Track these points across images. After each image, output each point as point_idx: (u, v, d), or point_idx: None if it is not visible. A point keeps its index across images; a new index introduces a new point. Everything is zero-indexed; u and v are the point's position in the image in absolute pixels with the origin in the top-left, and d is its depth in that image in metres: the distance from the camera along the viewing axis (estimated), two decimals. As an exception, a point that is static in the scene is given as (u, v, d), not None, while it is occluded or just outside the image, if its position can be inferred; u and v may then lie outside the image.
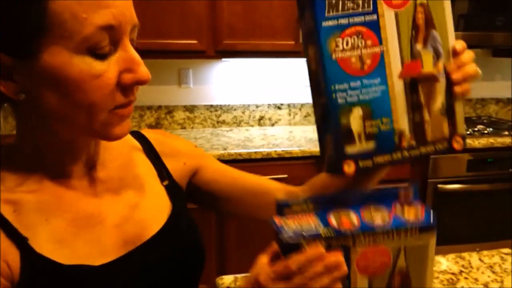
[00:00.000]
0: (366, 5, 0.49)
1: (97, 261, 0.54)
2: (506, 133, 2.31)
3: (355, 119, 0.51)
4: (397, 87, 0.52)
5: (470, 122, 2.62)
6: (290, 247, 0.47)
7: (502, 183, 2.27)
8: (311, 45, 0.51)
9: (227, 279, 0.91)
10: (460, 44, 0.54)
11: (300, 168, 2.05)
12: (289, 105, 2.61)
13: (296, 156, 2.04)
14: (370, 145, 0.52)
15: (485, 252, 1.02)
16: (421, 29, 0.52)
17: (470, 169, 2.23)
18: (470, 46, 2.11)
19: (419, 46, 0.52)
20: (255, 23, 2.13)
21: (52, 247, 0.52)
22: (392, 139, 0.53)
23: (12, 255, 0.50)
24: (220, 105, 2.53)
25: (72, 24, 0.45)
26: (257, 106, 2.58)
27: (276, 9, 2.13)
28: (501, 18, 2.31)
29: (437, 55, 0.53)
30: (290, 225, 0.48)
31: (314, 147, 2.06)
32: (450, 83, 0.54)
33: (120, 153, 0.64)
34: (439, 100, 0.54)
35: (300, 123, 2.64)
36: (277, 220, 0.49)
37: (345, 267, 0.47)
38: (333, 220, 0.49)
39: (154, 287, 0.60)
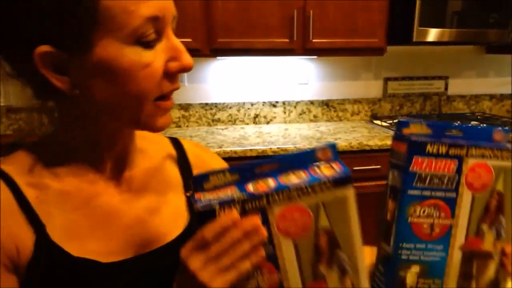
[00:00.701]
0: (449, 183, 0.56)
1: (105, 258, 0.55)
2: (499, 128, 2.32)
3: (411, 274, 0.57)
4: (456, 257, 0.57)
5: (464, 118, 2.64)
6: (205, 216, 0.46)
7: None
8: (392, 199, 0.57)
9: None
10: None
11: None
12: (284, 103, 2.62)
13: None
14: None
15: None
16: (490, 213, 0.57)
17: (464, 165, 2.24)
18: (464, 43, 2.12)
19: (485, 227, 0.57)
20: (250, 21, 2.13)
21: (65, 237, 0.53)
22: None
23: (27, 239, 0.51)
24: (215, 103, 2.54)
25: (122, 17, 0.47)
26: (252, 104, 2.58)
27: (270, 7, 2.13)
28: (494, 15, 2.32)
29: (498, 236, 0.58)
30: (207, 196, 0.48)
31: (308, 144, 2.07)
32: (502, 263, 0.59)
33: (152, 157, 0.65)
34: (489, 275, 0.58)
35: (295, 121, 2.65)
36: (196, 194, 0.49)
37: (263, 230, 0.47)
38: (250, 187, 0.49)
39: None
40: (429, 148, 0.54)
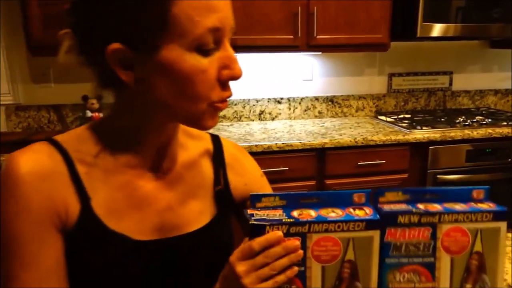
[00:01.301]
0: (426, 249, 0.59)
1: (135, 236, 0.62)
2: (505, 123, 2.33)
3: None
4: None
5: (469, 113, 2.65)
6: (256, 230, 0.55)
7: (500, 173, 2.29)
8: None
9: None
10: None
11: (300, 160, 2.08)
12: (289, 99, 2.64)
13: (297, 149, 2.06)
14: None
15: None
16: (472, 273, 0.60)
17: (469, 160, 2.25)
18: (468, 38, 2.13)
19: (468, 286, 0.60)
20: (254, 18, 2.15)
21: (105, 212, 0.60)
22: None
23: (74, 207, 0.59)
24: (221, 100, 2.56)
25: (187, 25, 0.53)
26: (257, 101, 2.60)
27: (274, 5, 2.15)
28: (498, 10, 2.33)
29: None
30: (259, 214, 0.57)
31: (313, 140, 2.08)
32: None
33: (191, 153, 0.71)
34: None
35: (300, 117, 2.67)
36: (249, 210, 0.58)
37: (301, 251, 0.56)
38: (295, 213, 0.58)
39: (172, 276, 0.65)
40: (400, 219, 0.58)
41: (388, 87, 2.75)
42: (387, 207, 0.59)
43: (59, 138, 0.62)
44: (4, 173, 0.57)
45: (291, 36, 2.20)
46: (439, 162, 2.23)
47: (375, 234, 0.57)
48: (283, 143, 2.05)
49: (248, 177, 0.77)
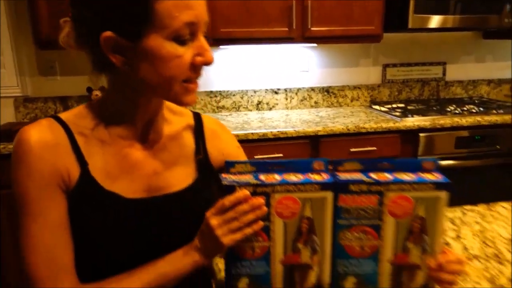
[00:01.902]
0: (373, 213, 0.68)
1: (126, 195, 0.73)
2: (494, 112, 2.41)
3: (349, 283, 0.71)
4: (386, 269, 0.71)
5: (460, 102, 2.72)
6: (228, 190, 0.66)
7: (489, 159, 2.37)
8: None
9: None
10: (454, 257, 0.72)
11: (294, 147, 2.17)
12: (285, 90, 2.73)
13: (291, 136, 2.16)
14: None
15: (448, 209, 1.14)
16: (414, 234, 0.69)
17: (458, 146, 2.34)
18: (458, 29, 2.22)
19: (410, 245, 0.70)
20: (250, 11, 2.24)
21: (101, 174, 0.72)
22: None
23: (74, 171, 0.71)
24: (220, 91, 2.66)
25: (168, 19, 0.64)
26: (255, 91, 2.70)
27: (269, -3, 2.23)
28: (489, 1, 2.39)
29: (423, 251, 0.70)
30: (232, 177, 0.68)
31: (307, 128, 2.18)
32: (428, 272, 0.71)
33: (174, 126, 0.82)
34: (418, 282, 0.71)
35: (296, 107, 2.76)
36: (224, 174, 0.69)
37: (265, 208, 0.66)
38: (262, 177, 0.68)
39: (158, 227, 0.76)
40: (351, 187, 0.67)
41: (382, 78, 2.83)
42: (343, 176, 0.69)
43: (61, 115, 0.74)
44: (16, 143, 0.69)
45: (286, 29, 2.29)
46: (429, 149, 2.31)
47: (329, 196, 0.67)
48: (278, 131, 2.14)
49: (225, 148, 0.88)
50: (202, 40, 0.68)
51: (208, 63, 0.69)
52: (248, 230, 0.67)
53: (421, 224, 0.68)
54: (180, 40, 0.65)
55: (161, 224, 0.76)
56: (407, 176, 0.69)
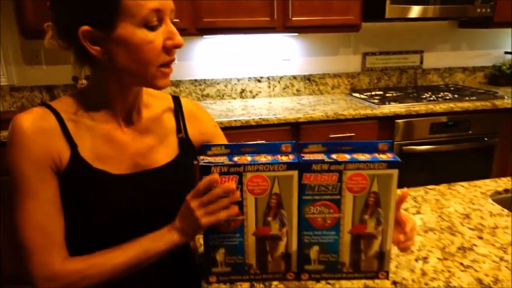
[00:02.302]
0: (334, 189, 0.77)
1: (115, 172, 0.82)
2: (467, 98, 2.52)
3: (313, 252, 0.81)
4: (346, 238, 0.80)
5: (436, 89, 2.83)
6: (204, 170, 0.74)
7: (462, 144, 2.49)
8: None
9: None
10: (410, 223, 0.82)
11: (276, 134, 2.26)
12: (268, 78, 2.80)
13: (273, 123, 2.24)
14: (321, 267, 0.82)
15: (412, 188, 1.23)
16: (370, 207, 0.78)
17: (432, 132, 2.45)
18: (436, 19, 2.33)
19: (366, 217, 0.78)
20: (233, 1, 2.29)
21: (90, 155, 0.80)
22: (336, 266, 0.81)
23: (65, 153, 0.78)
24: (204, 80, 2.72)
25: (135, 8, 0.71)
26: (238, 80, 2.76)
27: (251, -12, 2.29)
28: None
29: (378, 223, 0.79)
30: (208, 159, 0.76)
31: (289, 115, 2.26)
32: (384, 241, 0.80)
33: (155, 110, 0.90)
34: (374, 249, 0.80)
35: (279, 95, 2.84)
36: (201, 156, 0.77)
37: (237, 193, 0.75)
38: (235, 158, 0.76)
39: (143, 199, 0.84)
40: (314, 167, 0.76)
41: (362, 66, 2.92)
42: (307, 157, 0.77)
43: (51, 103, 0.81)
44: (11, 129, 0.76)
45: (268, 18, 2.35)
46: (406, 135, 2.42)
47: (294, 174, 0.76)
48: (260, 118, 2.22)
49: (203, 128, 0.96)
50: (170, 25, 0.75)
51: (178, 45, 0.76)
52: (223, 214, 0.76)
53: (376, 198, 0.78)
54: (149, 26, 0.73)
55: (146, 197, 0.84)
56: (363, 156, 0.78)
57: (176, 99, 0.96)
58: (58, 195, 0.78)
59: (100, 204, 0.80)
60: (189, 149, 0.92)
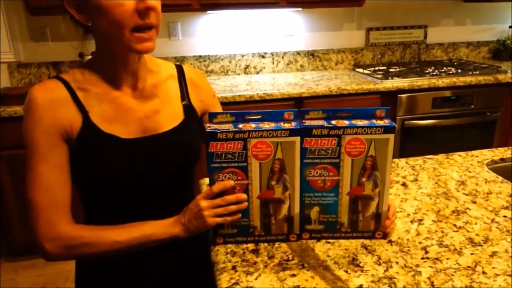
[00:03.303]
0: (333, 153, 0.81)
1: (124, 136, 0.86)
2: (470, 73, 2.53)
3: (313, 212, 0.84)
4: (344, 200, 0.83)
5: (439, 64, 2.84)
6: (210, 136, 0.77)
7: (464, 118, 2.52)
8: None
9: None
10: (393, 208, 0.86)
11: (280, 108, 2.27)
12: (272, 54, 2.81)
13: (276, 98, 2.27)
14: (321, 227, 0.85)
15: (411, 158, 1.28)
16: (367, 170, 0.81)
17: (435, 106, 2.47)
18: None
19: (364, 179, 0.82)
20: (236, -24, 2.29)
21: (100, 120, 0.85)
22: (335, 226, 0.85)
23: (77, 120, 0.83)
24: (208, 56, 2.74)
25: None
26: (242, 56, 2.78)
27: (255, -38, 2.29)
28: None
29: (375, 185, 0.82)
30: (214, 126, 0.79)
31: (292, 90, 2.29)
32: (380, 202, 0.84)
33: (159, 75, 0.94)
34: (371, 210, 0.84)
35: (283, 71, 2.86)
36: (207, 124, 0.80)
37: (245, 203, 0.80)
38: (240, 125, 0.80)
39: (150, 162, 0.89)
40: (314, 131, 0.79)
41: (366, 41, 2.92)
42: (308, 123, 0.81)
43: (62, 75, 0.86)
44: (26, 99, 0.82)
45: (271, -7, 2.36)
46: (408, 109, 2.45)
47: (296, 140, 0.79)
48: (264, 93, 2.25)
49: (203, 96, 1.01)
50: None
51: (147, 7, 0.77)
52: (229, 218, 0.81)
53: (372, 161, 0.82)
54: None
55: (153, 159, 0.89)
56: (361, 122, 0.81)
57: (179, 67, 1.00)
58: (67, 162, 0.83)
59: (111, 167, 0.85)
60: (192, 114, 0.97)
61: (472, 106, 2.52)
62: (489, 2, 2.80)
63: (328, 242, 0.86)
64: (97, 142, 0.84)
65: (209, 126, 0.80)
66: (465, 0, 2.95)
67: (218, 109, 1.05)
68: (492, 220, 0.92)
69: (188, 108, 0.96)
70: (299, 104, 2.32)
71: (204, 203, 0.80)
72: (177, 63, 1.01)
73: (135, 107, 0.89)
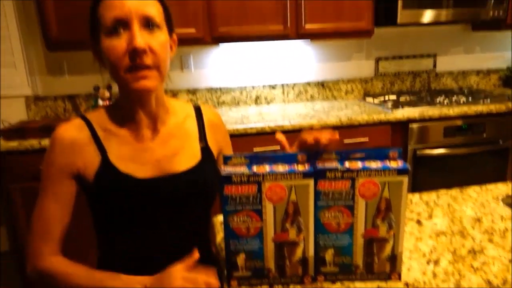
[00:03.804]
0: (347, 196, 0.82)
1: (140, 175, 0.90)
2: (481, 101, 2.53)
3: (328, 254, 0.85)
4: (359, 242, 0.84)
5: (450, 93, 2.84)
6: (225, 179, 0.79)
7: (476, 147, 2.50)
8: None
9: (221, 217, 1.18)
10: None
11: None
12: (282, 85, 2.85)
13: (287, 130, 2.29)
14: (336, 269, 0.86)
15: (425, 193, 1.27)
16: (381, 212, 0.83)
17: (446, 135, 2.46)
18: (447, 23, 2.35)
19: (379, 221, 0.83)
20: (247, 10, 2.36)
21: (117, 160, 0.90)
22: (350, 268, 0.86)
23: (96, 158, 0.89)
24: (220, 87, 2.78)
25: (102, 19, 0.83)
26: (253, 87, 2.82)
27: (265, -3, 2.35)
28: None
29: (389, 227, 0.83)
30: (229, 169, 0.81)
31: (303, 121, 2.31)
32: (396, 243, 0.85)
33: (177, 116, 0.98)
34: (386, 252, 0.85)
35: (293, 101, 2.89)
36: (222, 166, 0.82)
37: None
38: (254, 168, 0.81)
39: (163, 201, 0.91)
40: (328, 174, 0.81)
41: (375, 71, 2.95)
42: (321, 165, 0.82)
43: (87, 114, 0.92)
44: (51, 136, 0.90)
45: (281, 26, 2.41)
46: (420, 139, 2.44)
47: (310, 182, 0.81)
48: (275, 125, 2.27)
49: (219, 137, 1.04)
50: (132, 30, 0.81)
51: (134, 48, 0.80)
52: None
53: (387, 203, 0.82)
54: (112, 34, 0.81)
55: (167, 199, 0.91)
56: (374, 164, 0.82)
57: (198, 108, 1.03)
58: (71, 198, 0.89)
59: (126, 205, 0.88)
60: (209, 156, 0.99)
61: (484, 135, 2.51)
62: (498, 30, 2.82)
63: (343, 285, 0.85)
64: (114, 181, 0.88)
65: (224, 169, 0.82)
66: (474, 29, 2.98)
67: (230, 149, 1.07)
68: (510, 261, 0.90)
69: (205, 149, 0.98)
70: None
71: (178, 273, 0.79)
72: (195, 104, 1.04)
73: (153, 148, 0.92)
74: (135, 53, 0.81)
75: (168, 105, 0.96)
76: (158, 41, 0.84)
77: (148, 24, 0.83)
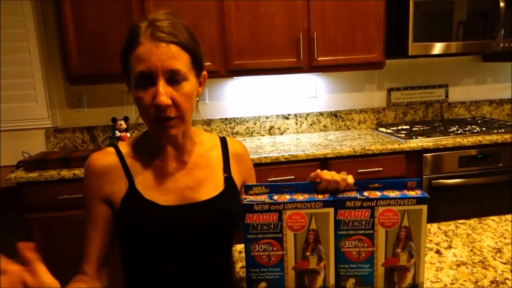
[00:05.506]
0: (367, 225, 0.83)
1: (163, 203, 0.93)
2: (495, 131, 2.53)
3: (349, 284, 0.86)
4: (380, 271, 0.85)
5: (463, 122, 2.85)
6: (247, 208, 0.81)
7: (492, 177, 2.48)
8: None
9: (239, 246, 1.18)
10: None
11: (305, 169, 2.32)
12: (295, 115, 2.89)
13: (301, 159, 2.30)
14: None
15: (443, 223, 1.26)
16: (401, 241, 0.84)
17: (461, 165, 2.45)
18: (458, 54, 2.40)
19: (399, 250, 0.84)
20: (260, 44, 2.43)
21: (142, 187, 0.94)
22: None
23: (123, 184, 0.94)
24: (234, 118, 2.83)
25: (132, 70, 0.87)
26: (266, 117, 2.87)
27: (277, 31, 2.43)
28: (482, 27, 2.55)
29: (410, 256, 0.84)
30: (250, 198, 0.84)
31: (316, 151, 2.33)
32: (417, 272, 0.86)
33: (202, 146, 1.02)
34: (407, 281, 0.86)
35: (306, 131, 2.92)
36: (244, 195, 0.85)
37: None
38: (275, 197, 0.83)
39: (192, 231, 0.93)
40: (348, 203, 0.83)
41: (387, 101, 2.98)
42: (340, 195, 0.84)
43: (118, 144, 0.98)
44: (85, 164, 0.97)
45: (294, 59, 2.47)
46: (434, 168, 2.44)
47: (330, 211, 0.82)
48: (289, 155, 2.29)
49: (243, 168, 1.06)
50: (158, 85, 0.84)
51: (157, 104, 0.84)
52: None
53: (407, 232, 0.83)
54: (139, 86, 0.85)
55: (189, 226, 0.93)
56: (393, 193, 0.83)
57: (223, 139, 1.06)
58: (105, 221, 0.94)
59: (148, 231, 0.91)
60: (232, 185, 1.01)
61: (500, 164, 2.49)
62: (508, 61, 2.85)
63: (365, 315, 0.85)
64: (138, 207, 0.92)
65: (245, 198, 0.84)
66: (485, 60, 3.01)
67: (254, 180, 1.09)
68: (534, 292, 0.89)
69: (229, 180, 1.00)
70: (324, 164, 2.34)
71: None
72: (221, 135, 1.08)
73: (177, 178, 0.96)
74: (159, 109, 0.85)
75: (195, 137, 1.00)
76: (183, 92, 0.86)
77: (173, 78, 0.85)
